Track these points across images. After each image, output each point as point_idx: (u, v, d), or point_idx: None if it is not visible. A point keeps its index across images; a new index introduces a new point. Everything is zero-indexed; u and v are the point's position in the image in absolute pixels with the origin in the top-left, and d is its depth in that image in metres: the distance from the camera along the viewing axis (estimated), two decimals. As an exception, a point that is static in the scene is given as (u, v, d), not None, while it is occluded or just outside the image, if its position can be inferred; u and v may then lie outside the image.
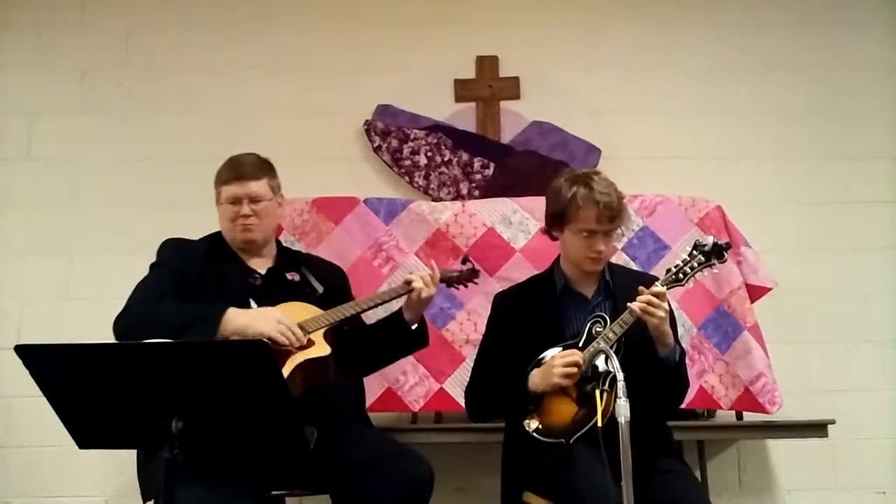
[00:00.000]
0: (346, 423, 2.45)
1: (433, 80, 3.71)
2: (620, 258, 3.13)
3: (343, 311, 2.45)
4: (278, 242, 2.69)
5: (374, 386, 3.01)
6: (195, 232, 2.60)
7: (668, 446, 2.46)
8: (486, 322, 2.67)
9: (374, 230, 3.21)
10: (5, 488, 3.38)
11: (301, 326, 2.35)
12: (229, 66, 3.70)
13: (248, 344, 1.84)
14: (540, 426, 2.32)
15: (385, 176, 3.65)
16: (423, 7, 3.77)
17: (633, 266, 3.11)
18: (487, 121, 3.68)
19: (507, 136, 3.66)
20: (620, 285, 2.51)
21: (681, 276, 2.38)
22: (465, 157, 3.61)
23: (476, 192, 3.56)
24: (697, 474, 3.11)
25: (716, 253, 2.39)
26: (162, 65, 3.71)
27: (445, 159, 3.62)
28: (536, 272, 2.75)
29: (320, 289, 2.57)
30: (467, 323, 3.13)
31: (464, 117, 3.68)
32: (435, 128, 3.65)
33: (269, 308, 2.38)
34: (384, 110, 3.68)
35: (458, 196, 3.55)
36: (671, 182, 3.39)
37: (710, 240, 2.41)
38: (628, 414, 1.84)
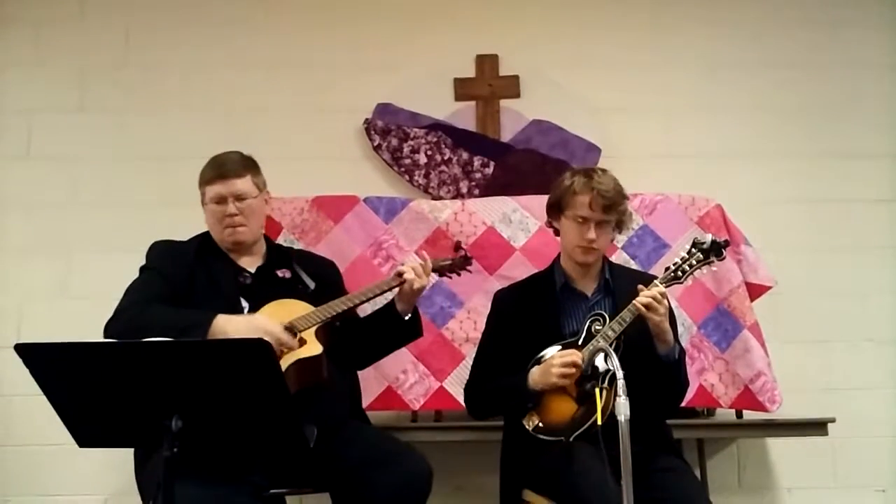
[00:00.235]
0: (344, 421, 2.44)
1: (433, 79, 3.70)
2: (620, 257, 3.14)
3: (334, 307, 2.43)
4: (268, 239, 2.66)
5: (373, 384, 3.01)
6: (195, 231, 2.59)
7: (668, 444, 2.47)
8: (485, 320, 2.67)
9: (373, 229, 3.21)
10: (5, 487, 3.37)
11: (292, 325, 2.33)
12: (229, 65, 3.69)
13: (248, 342, 1.84)
14: (540, 424, 2.32)
15: (385, 174, 3.65)
16: (423, 6, 3.76)
17: (633, 265, 3.11)
18: (487, 119, 3.68)
19: (506, 135, 3.65)
20: (620, 284, 2.52)
21: (679, 273, 2.38)
22: (464, 155, 3.61)
23: (476, 191, 3.55)
24: (697, 472, 3.11)
25: (714, 251, 2.39)
26: (162, 63, 3.69)
27: (445, 158, 3.61)
28: (536, 270, 2.76)
29: (312, 285, 2.55)
30: (467, 321, 3.13)
31: (464, 116, 3.67)
32: (435, 126, 3.64)
33: (255, 316, 2.35)
34: (384, 109, 3.67)
35: (457, 195, 3.54)
36: (671, 181, 3.40)
37: (708, 237, 2.41)
38: (628, 412, 1.84)
